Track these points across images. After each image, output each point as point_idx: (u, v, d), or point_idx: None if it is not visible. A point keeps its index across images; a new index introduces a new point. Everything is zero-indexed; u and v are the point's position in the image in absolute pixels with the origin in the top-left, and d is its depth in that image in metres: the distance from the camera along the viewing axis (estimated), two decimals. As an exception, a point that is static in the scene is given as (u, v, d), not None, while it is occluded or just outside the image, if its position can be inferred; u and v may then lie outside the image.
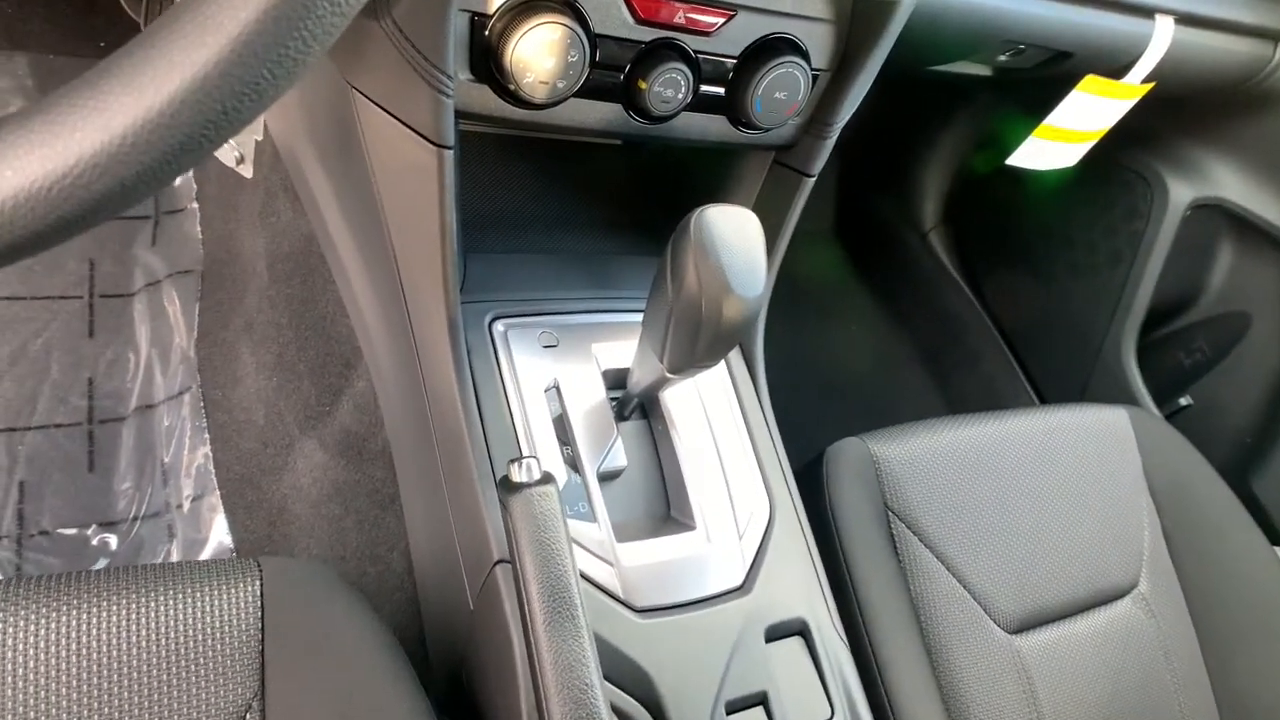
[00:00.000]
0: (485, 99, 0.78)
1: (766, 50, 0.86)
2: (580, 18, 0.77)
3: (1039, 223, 1.90)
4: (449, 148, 0.77)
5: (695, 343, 0.73)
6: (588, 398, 0.90)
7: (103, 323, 1.35)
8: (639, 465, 0.91)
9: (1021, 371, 1.96)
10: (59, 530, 1.18)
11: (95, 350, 1.32)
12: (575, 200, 1.05)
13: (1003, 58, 1.25)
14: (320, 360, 1.09)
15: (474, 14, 0.73)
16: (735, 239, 0.72)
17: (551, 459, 0.85)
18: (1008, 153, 1.44)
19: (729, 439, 0.95)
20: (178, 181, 1.55)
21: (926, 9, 1.03)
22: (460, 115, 0.78)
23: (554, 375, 0.89)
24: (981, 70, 1.35)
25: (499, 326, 0.89)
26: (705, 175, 1.07)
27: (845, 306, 2.13)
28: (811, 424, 1.87)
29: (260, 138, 1.02)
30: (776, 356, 1.14)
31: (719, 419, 0.95)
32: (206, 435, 1.26)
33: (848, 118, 0.96)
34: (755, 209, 1.07)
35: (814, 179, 0.99)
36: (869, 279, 2.19)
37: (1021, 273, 1.95)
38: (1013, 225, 1.97)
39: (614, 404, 0.92)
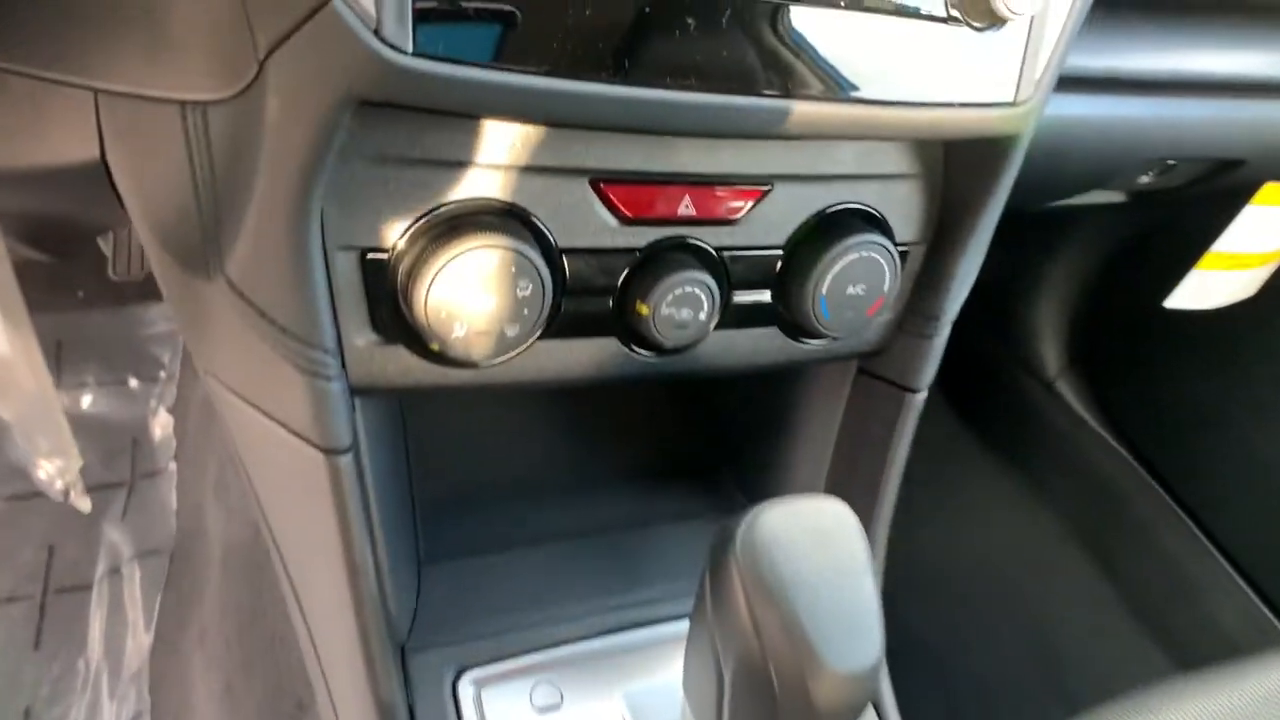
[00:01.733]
0: (400, 364, 0.52)
1: (827, 229, 0.58)
2: (533, 230, 0.51)
3: (1200, 355, 1.53)
4: (344, 451, 0.50)
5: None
6: None
7: (52, 627, 1.12)
8: None
9: (1212, 545, 1.53)
10: None
11: (38, 668, 1.08)
12: (577, 448, 0.77)
13: (1145, 178, 0.94)
14: (270, 695, 0.80)
15: (364, 250, 0.48)
16: (819, 566, 0.42)
17: None
18: (1156, 290, 1.12)
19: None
20: (158, 435, 1.34)
21: (1047, 136, 0.74)
22: (363, 392, 0.52)
23: None
24: (1114, 198, 1.05)
25: (466, 685, 0.59)
26: (762, 392, 0.78)
27: (965, 481, 1.76)
28: (950, 655, 1.47)
29: (81, 463, 0.79)
30: (891, 561, 0.80)
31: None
32: (154, 787, 0.98)
33: (959, 306, 0.66)
34: (841, 444, 0.77)
35: (923, 395, 0.68)
36: (988, 442, 1.82)
37: (1186, 419, 1.56)
38: (1163, 360, 1.59)
39: None
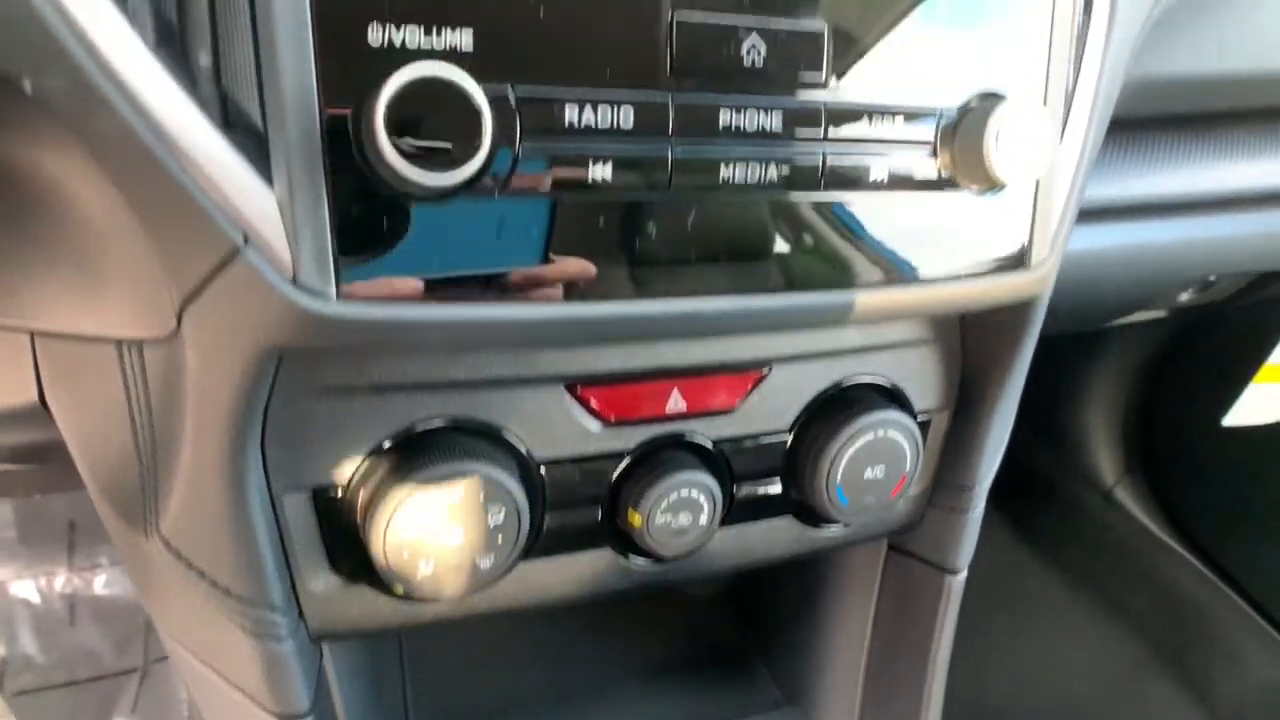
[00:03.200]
0: (365, 606, 0.46)
1: (837, 407, 0.53)
2: (504, 445, 0.46)
3: (1265, 450, 1.42)
4: (302, 716, 0.44)
5: None
6: None
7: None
8: None
9: (1310, 663, 1.39)
10: None
11: None
12: (592, 644, 0.70)
13: (1185, 296, 0.88)
14: None
15: (316, 489, 0.43)
16: None
17: None
18: (1209, 388, 1.04)
19: None
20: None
21: (1075, 270, 0.69)
22: (327, 638, 0.46)
23: None
24: (1154, 315, 0.98)
25: None
26: (789, 573, 0.71)
27: (1031, 603, 1.64)
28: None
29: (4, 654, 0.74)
30: (955, 704, 0.70)
31: None
32: None
33: (993, 474, 0.60)
34: (879, 627, 0.69)
35: (963, 575, 0.61)
36: (1051, 559, 1.70)
37: (1258, 520, 1.45)
38: (1225, 460, 1.49)
39: None
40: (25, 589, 1.24)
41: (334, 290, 0.34)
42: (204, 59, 0.34)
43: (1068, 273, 0.70)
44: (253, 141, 0.34)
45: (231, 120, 0.34)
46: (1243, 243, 0.78)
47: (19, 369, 0.46)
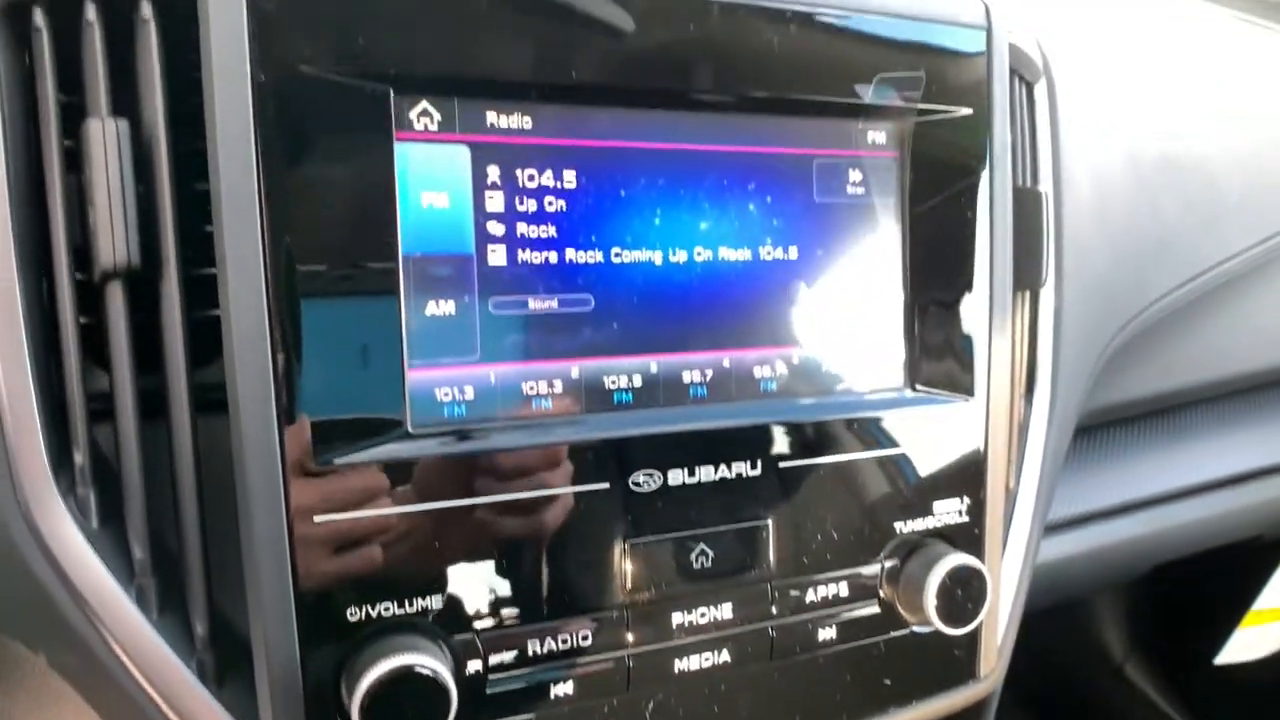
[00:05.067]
0: None
1: None
2: None
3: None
4: None
5: None
6: None
7: None
8: None
9: None
10: None
11: None
12: None
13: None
14: None
15: None
16: None
17: None
18: (1198, 641, 1.04)
19: None
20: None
21: (1045, 575, 0.71)
22: None
23: None
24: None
25: None
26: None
27: (1045, 791, 1.60)
28: None
29: None
30: None
31: None
32: None
33: None
34: None
35: None
36: (1065, 740, 1.66)
37: (1264, 701, 1.42)
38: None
39: None
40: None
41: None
42: (200, 629, 0.37)
43: (1037, 580, 0.72)
44: (242, 703, 0.37)
45: (224, 682, 0.38)
46: (1208, 524, 0.81)
47: None
